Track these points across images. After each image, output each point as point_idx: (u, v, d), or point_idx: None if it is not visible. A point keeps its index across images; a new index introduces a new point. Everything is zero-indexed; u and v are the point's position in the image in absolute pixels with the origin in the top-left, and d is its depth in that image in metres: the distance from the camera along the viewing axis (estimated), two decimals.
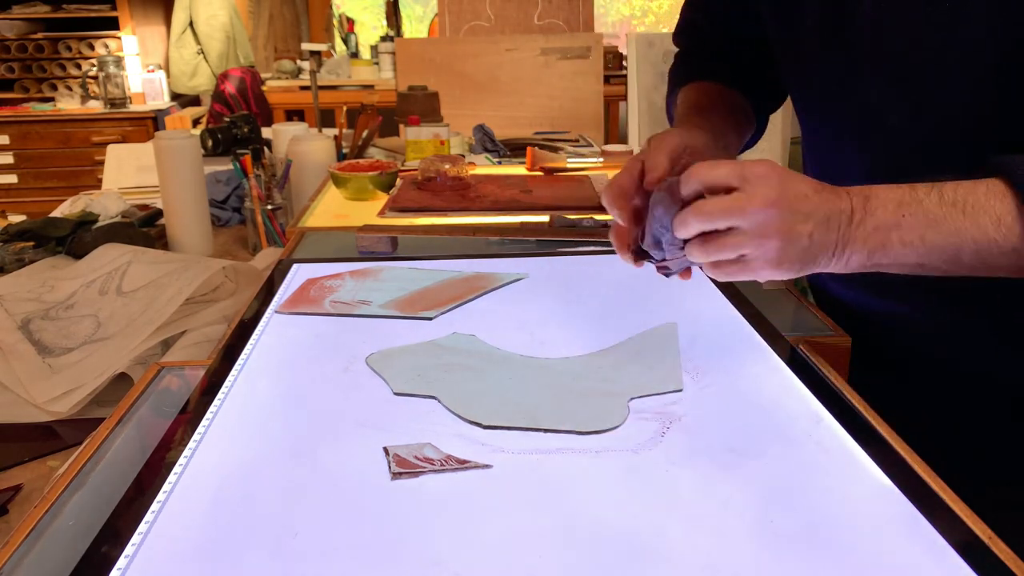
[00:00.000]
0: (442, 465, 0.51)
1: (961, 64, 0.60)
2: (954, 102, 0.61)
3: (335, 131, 1.85)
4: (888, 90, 0.65)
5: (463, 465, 0.51)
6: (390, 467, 0.51)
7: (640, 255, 0.63)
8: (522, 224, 1.08)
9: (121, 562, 0.43)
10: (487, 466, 0.52)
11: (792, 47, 0.75)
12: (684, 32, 0.94)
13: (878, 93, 0.65)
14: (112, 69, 3.45)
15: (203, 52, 3.84)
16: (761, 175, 0.54)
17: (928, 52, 0.61)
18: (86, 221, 1.26)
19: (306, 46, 3.63)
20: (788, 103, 0.87)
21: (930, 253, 0.55)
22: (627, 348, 0.68)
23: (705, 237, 0.56)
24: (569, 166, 1.47)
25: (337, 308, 0.78)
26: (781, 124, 2.44)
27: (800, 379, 0.63)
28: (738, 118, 0.84)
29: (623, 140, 2.97)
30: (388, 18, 4.25)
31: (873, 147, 0.68)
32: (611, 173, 1.41)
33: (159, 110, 3.51)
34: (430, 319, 0.76)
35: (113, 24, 3.55)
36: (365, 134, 1.60)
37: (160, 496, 0.49)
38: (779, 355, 0.67)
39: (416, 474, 0.50)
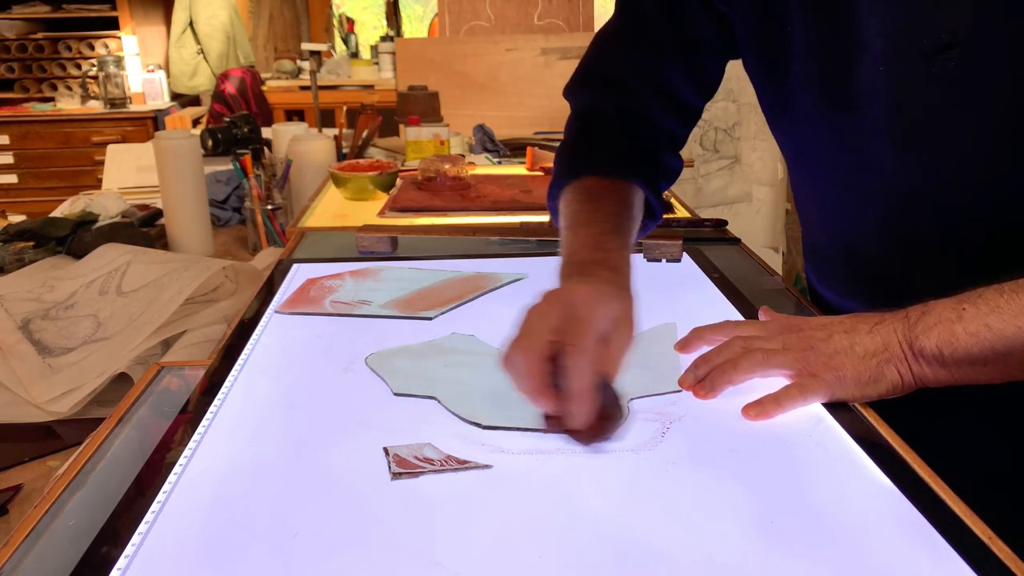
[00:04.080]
0: (442, 465, 0.51)
1: (969, 120, 0.59)
2: (965, 156, 0.60)
3: (335, 131, 1.85)
4: (892, 149, 0.64)
5: (463, 465, 0.51)
6: (390, 467, 0.51)
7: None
8: (522, 224, 1.08)
9: (121, 562, 0.43)
10: (487, 466, 0.52)
11: (783, 107, 0.73)
12: (585, 82, 0.82)
13: (881, 150, 0.65)
14: (112, 69, 3.45)
15: (203, 52, 3.84)
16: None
17: (933, 111, 0.60)
18: (86, 221, 1.26)
19: (306, 46, 3.63)
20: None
21: (1001, 343, 0.53)
22: None
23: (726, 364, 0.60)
24: None
25: (337, 308, 0.78)
26: None
27: None
28: (635, 224, 0.74)
29: None
30: (388, 18, 4.25)
31: (878, 197, 0.67)
32: None
33: (159, 110, 3.51)
34: (430, 319, 0.76)
35: (113, 24, 3.55)
36: (365, 134, 1.60)
37: (160, 496, 0.49)
38: None
39: (416, 474, 0.50)
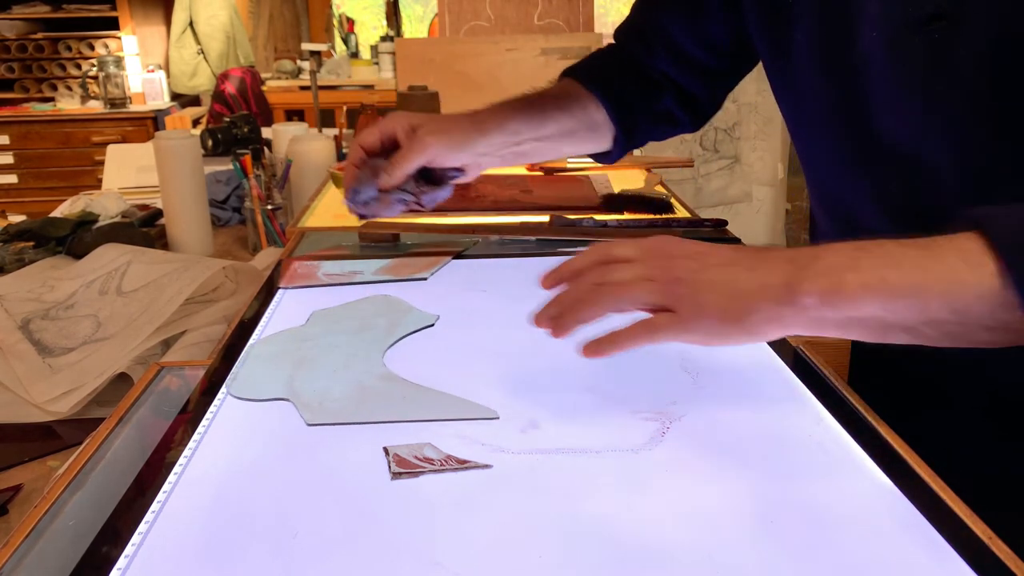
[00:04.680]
0: (442, 465, 0.51)
1: (955, 93, 0.59)
2: (952, 129, 0.60)
3: (335, 131, 1.85)
4: (886, 118, 0.64)
5: (463, 465, 0.51)
6: (390, 467, 0.51)
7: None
8: (522, 224, 1.08)
9: (121, 562, 0.43)
10: (487, 466, 0.52)
11: (785, 73, 0.73)
12: (624, 31, 0.92)
13: (876, 119, 0.65)
14: (112, 69, 3.45)
15: (203, 52, 3.84)
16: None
17: (922, 80, 0.60)
18: (86, 221, 1.26)
19: (306, 46, 3.63)
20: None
21: (894, 299, 0.46)
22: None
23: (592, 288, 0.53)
24: (569, 166, 1.47)
25: (332, 279, 0.81)
26: (781, 125, 2.44)
27: (800, 379, 0.63)
28: (549, 116, 0.82)
29: None
30: (388, 18, 4.25)
31: (878, 172, 0.67)
32: (612, 173, 1.41)
33: (159, 110, 3.51)
34: (424, 279, 0.78)
35: (113, 24, 3.55)
36: None
37: (160, 496, 0.49)
38: (779, 355, 0.67)
39: (416, 474, 0.50)
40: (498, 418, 0.58)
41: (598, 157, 0.90)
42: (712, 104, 0.90)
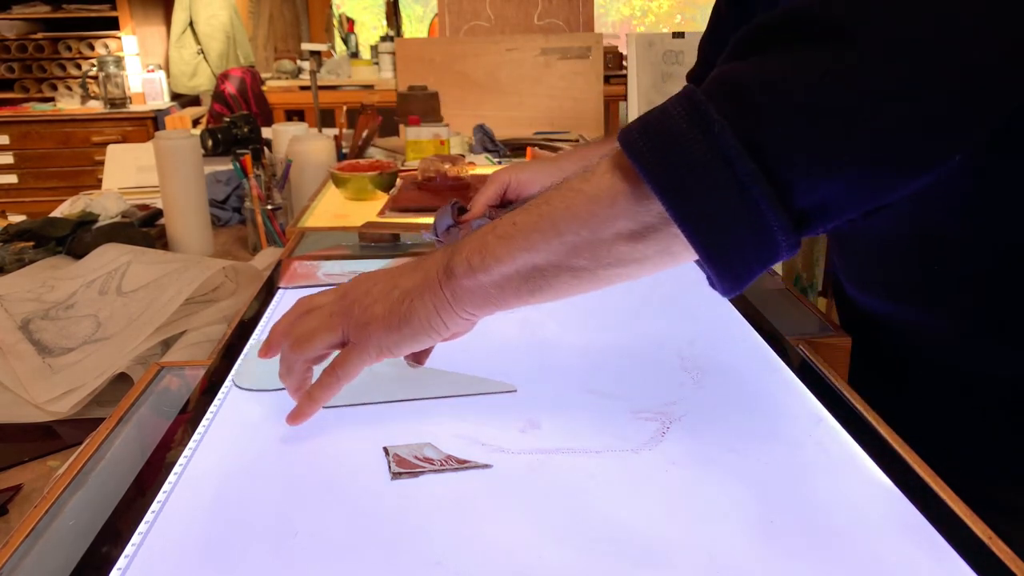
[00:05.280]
0: (442, 465, 0.51)
1: None
2: None
3: (335, 131, 1.85)
4: None
5: (463, 465, 0.51)
6: (390, 467, 0.51)
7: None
8: None
9: (121, 562, 0.43)
10: (487, 466, 0.52)
11: None
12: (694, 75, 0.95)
13: None
14: (112, 69, 3.45)
15: (203, 52, 3.83)
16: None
17: None
18: (86, 221, 1.26)
19: (306, 46, 3.63)
20: None
21: (528, 236, 0.46)
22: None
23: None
24: None
25: (332, 279, 0.81)
26: None
27: (800, 379, 0.63)
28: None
29: None
30: (388, 18, 4.25)
31: None
32: None
33: (159, 110, 3.51)
34: None
35: (113, 24, 3.55)
36: (365, 134, 1.60)
37: (160, 496, 0.49)
38: (779, 355, 0.67)
39: (416, 474, 0.50)
40: (515, 391, 0.59)
41: None
42: None
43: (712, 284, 0.44)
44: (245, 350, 0.69)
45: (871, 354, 0.74)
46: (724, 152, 0.39)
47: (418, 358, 0.57)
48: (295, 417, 0.54)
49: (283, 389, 0.58)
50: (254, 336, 0.73)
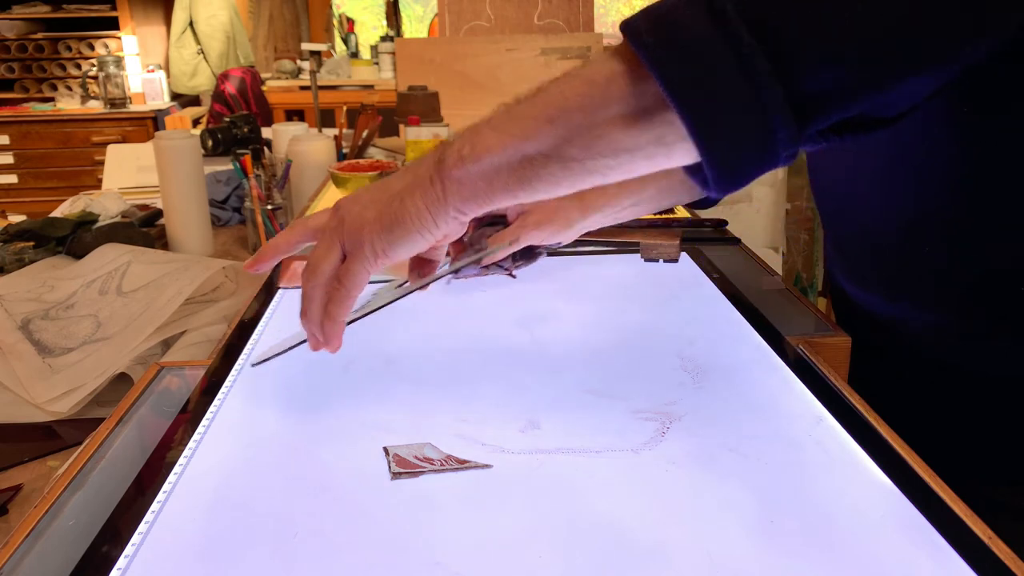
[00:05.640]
0: (442, 465, 0.51)
1: None
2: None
3: (335, 131, 1.84)
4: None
5: (463, 465, 0.51)
6: (390, 467, 0.51)
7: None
8: None
9: (121, 562, 0.43)
10: (487, 466, 0.52)
11: None
12: None
13: None
14: (112, 69, 3.45)
15: (203, 52, 3.84)
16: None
17: None
18: (86, 221, 1.26)
19: (306, 46, 3.63)
20: None
21: (522, 122, 0.45)
22: None
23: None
24: None
25: None
26: None
27: (800, 379, 0.63)
28: (664, 186, 0.76)
29: None
30: (388, 18, 4.25)
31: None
32: None
33: (159, 110, 3.51)
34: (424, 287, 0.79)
35: (113, 24, 3.55)
36: (365, 134, 1.60)
37: (160, 496, 0.49)
38: (779, 355, 0.67)
39: (416, 474, 0.50)
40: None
41: (696, 205, 0.83)
42: None
43: (704, 184, 0.42)
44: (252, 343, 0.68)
45: (871, 354, 0.74)
46: (725, 29, 0.38)
47: (422, 271, 0.59)
48: (329, 342, 0.55)
49: (300, 344, 0.59)
50: (254, 336, 0.73)
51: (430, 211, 0.48)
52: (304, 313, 0.55)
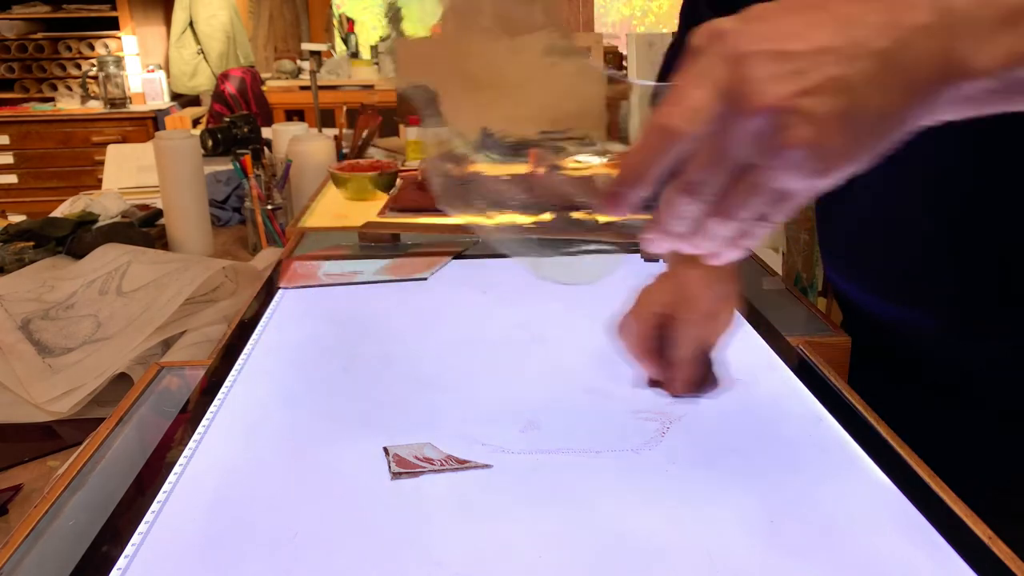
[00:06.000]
0: (442, 465, 0.51)
1: None
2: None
3: (335, 131, 1.84)
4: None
5: (463, 465, 0.51)
6: (390, 467, 0.51)
7: None
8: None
9: (121, 562, 0.43)
10: (487, 466, 0.52)
11: None
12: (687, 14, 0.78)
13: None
14: (112, 69, 3.45)
15: (203, 52, 3.83)
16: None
17: None
18: (86, 221, 1.26)
19: (306, 46, 3.63)
20: None
21: None
22: None
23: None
24: (569, 166, 1.47)
25: (332, 279, 0.81)
26: None
27: (800, 379, 0.63)
28: None
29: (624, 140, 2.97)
30: None
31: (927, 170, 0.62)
32: (613, 172, 1.41)
33: (159, 110, 3.51)
34: (424, 279, 0.78)
35: (113, 24, 3.54)
36: (365, 134, 1.60)
37: (160, 496, 0.49)
38: (779, 355, 0.67)
39: (416, 474, 0.50)
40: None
41: None
42: None
43: None
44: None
45: (871, 354, 0.74)
46: None
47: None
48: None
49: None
50: (254, 336, 0.73)
51: (940, 84, 0.32)
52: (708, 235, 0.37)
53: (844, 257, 0.78)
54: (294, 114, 3.57)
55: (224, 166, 1.57)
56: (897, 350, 0.73)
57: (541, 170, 0.51)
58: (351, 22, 4.35)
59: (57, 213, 1.40)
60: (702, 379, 0.62)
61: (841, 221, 0.76)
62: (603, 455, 0.53)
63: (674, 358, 0.60)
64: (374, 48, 4.04)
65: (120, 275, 0.99)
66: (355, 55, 4.16)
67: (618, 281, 0.86)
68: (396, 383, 0.64)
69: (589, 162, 0.60)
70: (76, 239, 1.17)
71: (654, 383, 0.63)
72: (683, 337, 0.60)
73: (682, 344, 0.60)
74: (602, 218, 0.47)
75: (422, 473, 0.51)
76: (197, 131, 1.87)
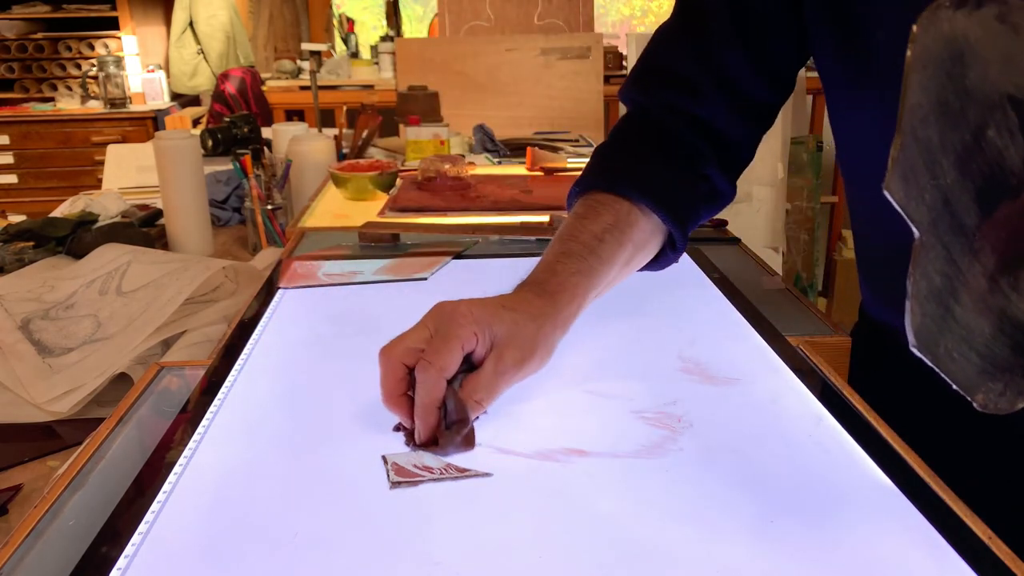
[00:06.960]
0: (441, 474, 0.51)
1: None
2: None
3: (335, 131, 1.85)
4: None
5: (463, 473, 0.51)
6: (389, 476, 0.51)
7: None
8: (522, 224, 1.08)
9: (121, 562, 0.43)
10: (487, 474, 0.51)
11: (859, 85, 0.65)
12: (646, 87, 0.74)
13: None
14: (112, 69, 3.45)
15: (203, 52, 3.84)
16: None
17: None
18: (86, 221, 1.26)
19: (306, 46, 3.63)
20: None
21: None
22: None
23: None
24: (569, 166, 1.47)
25: (332, 279, 0.81)
26: (781, 124, 2.44)
27: (800, 379, 0.63)
28: (624, 250, 0.67)
29: None
30: (388, 18, 4.25)
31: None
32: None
33: (159, 110, 3.51)
34: (424, 279, 0.78)
35: (113, 24, 3.55)
36: (365, 134, 1.60)
37: (160, 496, 0.49)
38: (779, 355, 0.67)
39: (415, 483, 0.50)
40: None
41: (653, 266, 0.74)
42: (749, 155, 0.76)
43: None
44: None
45: (870, 353, 0.74)
46: None
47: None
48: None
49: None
50: (254, 336, 0.73)
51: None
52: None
53: (883, 280, 0.74)
54: (294, 114, 3.57)
55: (224, 166, 1.57)
56: (891, 350, 0.73)
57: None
58: (351, 22, 4.35)
59: (57, 213, 1.40)
60: (447, 429, 0.53)
61: (881, 246, 0.73)
62: (603, 455, 0.53)
63: (416, 403, 0.53)
64: (374, 48, 4.04)
65: (120, 275, 0.99)
66: (355, 55, 4.16)
67: (619, 281, 0.86)
68: None
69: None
70: (76, 239, 1.17)
71: (403, 429, 0.55)
72: (421, 381, 0.53)
73: (418, 389, 0.53)
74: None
75: (421, 482, 0.50)
76: (197, 131, 1.88)
